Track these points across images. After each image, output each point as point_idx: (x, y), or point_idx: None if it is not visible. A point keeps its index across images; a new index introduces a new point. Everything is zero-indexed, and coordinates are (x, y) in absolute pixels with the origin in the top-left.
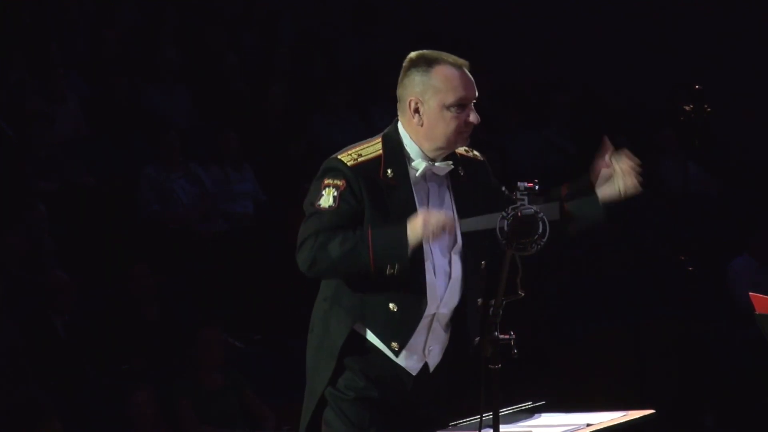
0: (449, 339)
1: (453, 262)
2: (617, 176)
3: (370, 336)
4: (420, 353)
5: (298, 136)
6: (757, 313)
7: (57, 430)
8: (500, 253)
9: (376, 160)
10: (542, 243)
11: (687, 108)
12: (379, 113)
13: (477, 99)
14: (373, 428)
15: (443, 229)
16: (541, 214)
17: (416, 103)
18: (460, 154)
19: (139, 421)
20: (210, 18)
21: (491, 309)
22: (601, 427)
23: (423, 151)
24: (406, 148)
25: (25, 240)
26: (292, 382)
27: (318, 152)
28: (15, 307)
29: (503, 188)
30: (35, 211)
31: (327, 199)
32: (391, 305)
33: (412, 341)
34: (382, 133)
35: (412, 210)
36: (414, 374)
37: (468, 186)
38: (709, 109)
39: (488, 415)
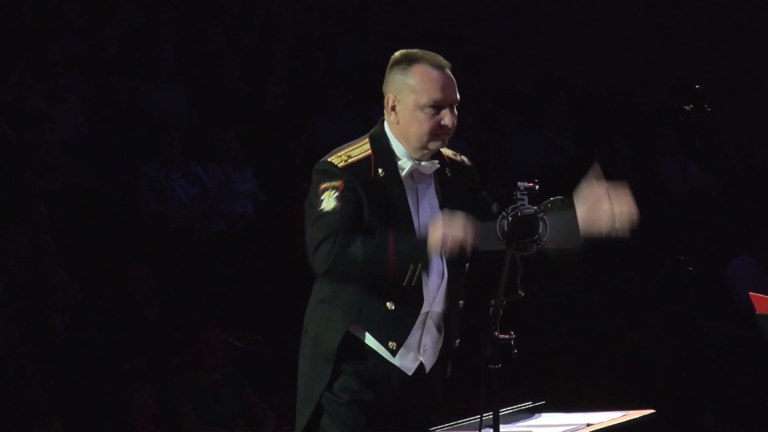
0: (442, 339)
1: (445, 261)
2: (607, 213)
3: (366, 337)
4: (415, 352)
5: (298, 136)
6: (757, 313)
7: (57, 430)
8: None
9: (366, 160)
10: (542, 243)
11: (687, 108)
12: (378, 113)
13: (458, 102)
14: (368, 431)
15: (461, 244)
16: (542, 213)
17: (393, 101)
18: (448, 157)
19: (139, 421)
20: (210, 18)
21: (491, 309)
22: (601, 427)
23: (407, 151)
24: (393, 146)
25: (25, 239)
26: (292, 382)
27: (318, 152)
28: (15, 307)
29: (493, 205)
30: (35, 211)
31: (329, 201)
32: (388, 304)
33: (407, 340)
34: (368, 133)
35: (405, 208)
36: (410, 374)
37: (455, 188)
38: (709, 109)
39: (488, 415)
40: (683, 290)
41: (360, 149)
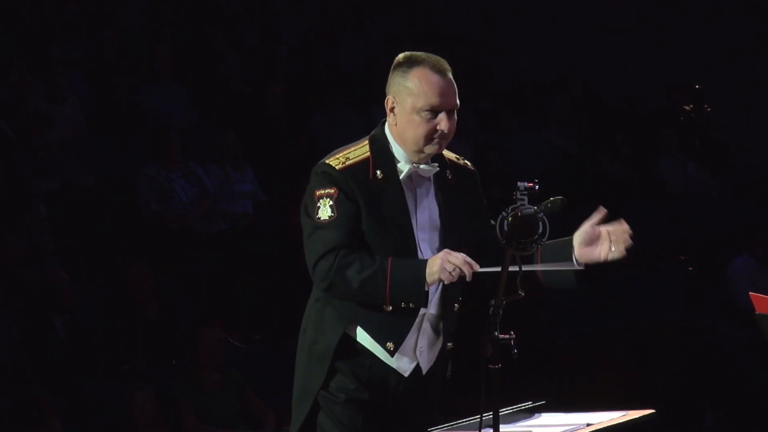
0: (440, 341)
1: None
2: (604, 239)
3: (364, 338)
4: (411, 353)
5: (298, 136)
6: (757, 313)
7: (57, 430)
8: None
9: (364, 162)
10: (542, 243)
11: (687, 108)
12: (379, 113)
13: (456, 107)
14: (365, 431)
15: (461, 273)
16: (541, 213)
17: (392, 103)
18: (450, 160)
19: (139, 421)
20: (210, 18)
21: (491, 309)
22: (601, 427)
23: (406, 154)
24: (392, 149)
25: (25, 240)
26: (292, 383)
27: (318, 152)
28: (15, 307)
29: (489, 214)
30: (35, 211)
31: (324, 210)
32: (385, 305)
33: (404, 341)
34: (369, 135)
35: (404, 210)
36: (406, 375)
37: (456, 191)
38: (709, 109)
39: (488, 415)
40: (683, 290)
41: (359, 151)
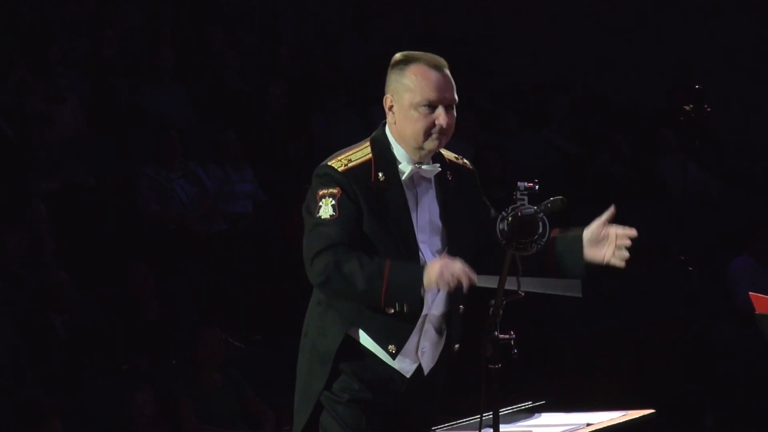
0: (443, 342)
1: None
2: (610, 241)
3: (366, 340)
4: (413, 355)
5: (298, 136)
6: (757, 313)
7: (57, 430)
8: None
9: (366, 164)
10: (542, 243)
11: (687, 108)
12: (379, 113)
13: (455, 102)
14: (368, 431)
15: (459, 281)
16: (541, 213)
17: (391, 101)
18: (450, 160)
19: (139, 421)
20: (210, 18)
21: (491, 309)
22: (601, 427)
23: (407, 153)
24: (393, 150)
25: (25, 240)
26: (292, 383)
27: (318, 152)
28: (15, 307)
29: (491, 209)
30: (35, 211)
31: (326, 209)
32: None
33: (406, 344)
34: (369, 137)
35: (405, 212)
36: (408, 376)
37: (456, 192)
38: (709, 109)
39: (488, 415)
40: (683, 290)
41: (360, 153)
